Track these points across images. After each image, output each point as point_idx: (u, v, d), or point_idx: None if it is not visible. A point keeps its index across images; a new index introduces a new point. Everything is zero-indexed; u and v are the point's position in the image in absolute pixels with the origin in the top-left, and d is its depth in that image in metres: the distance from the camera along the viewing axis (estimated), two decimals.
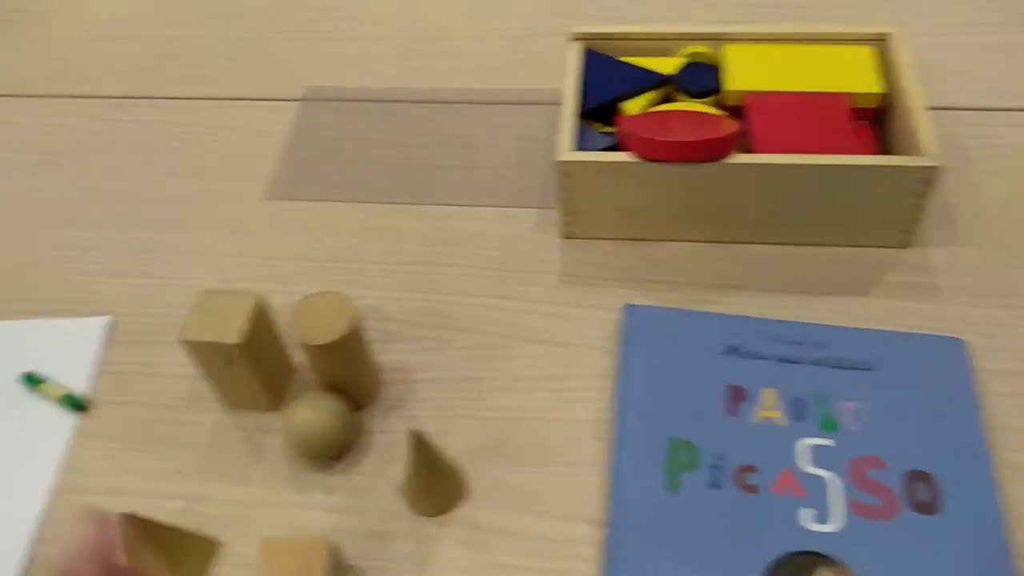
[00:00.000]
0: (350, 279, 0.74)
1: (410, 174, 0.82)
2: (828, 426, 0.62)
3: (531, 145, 0.83)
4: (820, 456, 0.60)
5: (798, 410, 0.63)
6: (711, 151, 0.66)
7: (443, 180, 0.81)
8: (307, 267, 0.75)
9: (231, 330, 0.59)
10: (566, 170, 0.68)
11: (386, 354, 0.69)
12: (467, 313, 0.71)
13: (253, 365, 0.61)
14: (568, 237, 0.75)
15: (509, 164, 0.82)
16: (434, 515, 0.61)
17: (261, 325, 0.61)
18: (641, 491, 0.59)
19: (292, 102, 0.89)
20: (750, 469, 0.60)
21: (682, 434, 0.61)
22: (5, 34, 1.02)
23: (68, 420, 0.67)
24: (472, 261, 0.74)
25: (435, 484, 0.59)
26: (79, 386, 0.69)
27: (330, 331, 0.59)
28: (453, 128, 0.85)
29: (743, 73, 0.75)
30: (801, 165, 0.66)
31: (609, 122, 0.77)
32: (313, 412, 0.61)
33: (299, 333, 0.59)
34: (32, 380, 0.68)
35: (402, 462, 0.63)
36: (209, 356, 0.60)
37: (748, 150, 0.69)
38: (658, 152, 0.66)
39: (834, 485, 0.59)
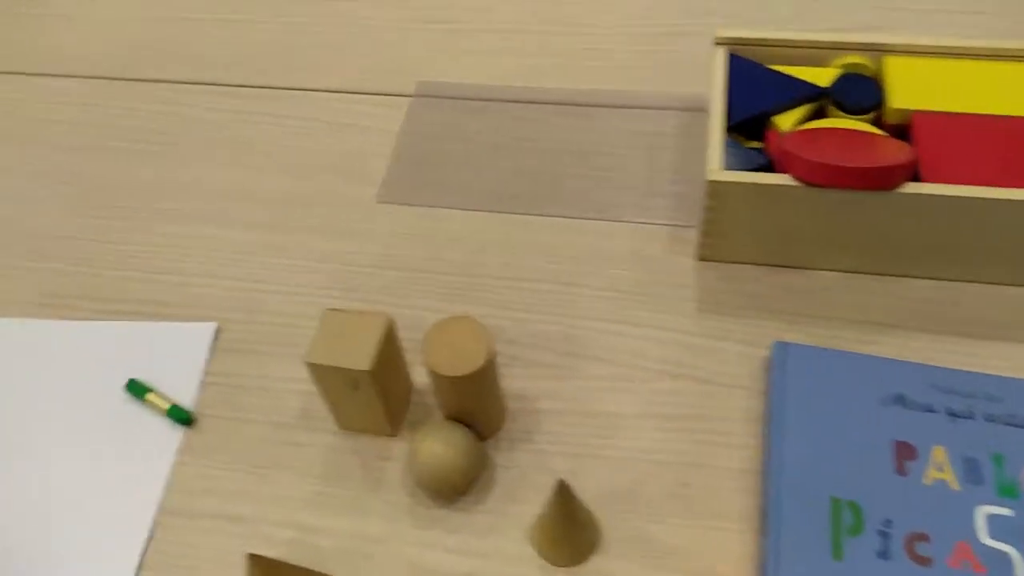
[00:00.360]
0: (470, 295, 0.69)
1: (533, 182, 0.76)
2: (1007, 492, 0.56)
3: (662, 155, 0.77)
4: (999, 527, 0.54)
5: (972, 472, 0.57)
6: (884, 180, 0.59)
7: (568, 190, 0.75)
8: (423, 279, 0.71)
9: (361, 355, 0.54)
10: (715, 190, 0.63)
11: (508, 379, 0.64)
12: (596, 339, 0.66)
13: (378, 390, 0.57)
14: (705, 259, 0.69)
15: (638, 175, 0.76)
16: (566, 566, 0.56)
17: (388, 348, 0.57)
18: (803, 557, 0.53)
19: (403, 98, 0.84)
20: (922, 537, 0.54)
21: (846, 494, 0.56)
22: (112, 11, 0.98)
23: (174, 434, 0.63)
24: (601, 282, 0.69)
25: (572, 534, 0.54)
26: (185, 397, 0.65)
27: (466, 363, 0.54)
28: (578, 133, 0.79)
29: (909, 90, 0.68)
30: (984, 199, 0.59)
31: (754, 136, 0.70)
32: (443, 446, 0.56)
33: (431, 363, 0.54)
34: (137, 389, 0.65)
35: (529, 501, 0.59)
36: (334, 380, 0.56)
37: (915, 177, 0.63)
38: (824, 177, 0.60)
39: (1020, 564, 0.53)
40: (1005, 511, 0.55)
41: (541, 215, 0.74)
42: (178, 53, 0.92)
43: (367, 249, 0.73)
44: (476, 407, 0.58)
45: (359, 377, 0.55)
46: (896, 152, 0.61)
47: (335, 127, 0.83)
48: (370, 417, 0.60)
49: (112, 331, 0.69)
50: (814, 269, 0.68)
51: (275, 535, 0.58)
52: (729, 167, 0.64)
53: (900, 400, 0.60)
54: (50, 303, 0.72)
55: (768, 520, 0.55)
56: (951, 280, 0.66)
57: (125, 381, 0.66)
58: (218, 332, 0.69)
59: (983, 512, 0.55)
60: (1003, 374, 0.60)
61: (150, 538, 0.59)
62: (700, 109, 0.80)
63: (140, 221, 0.77)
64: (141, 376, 0.66)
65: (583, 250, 0.71)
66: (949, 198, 0.60)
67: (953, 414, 0.59)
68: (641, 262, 0.70)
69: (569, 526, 0.54)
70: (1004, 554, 0.53)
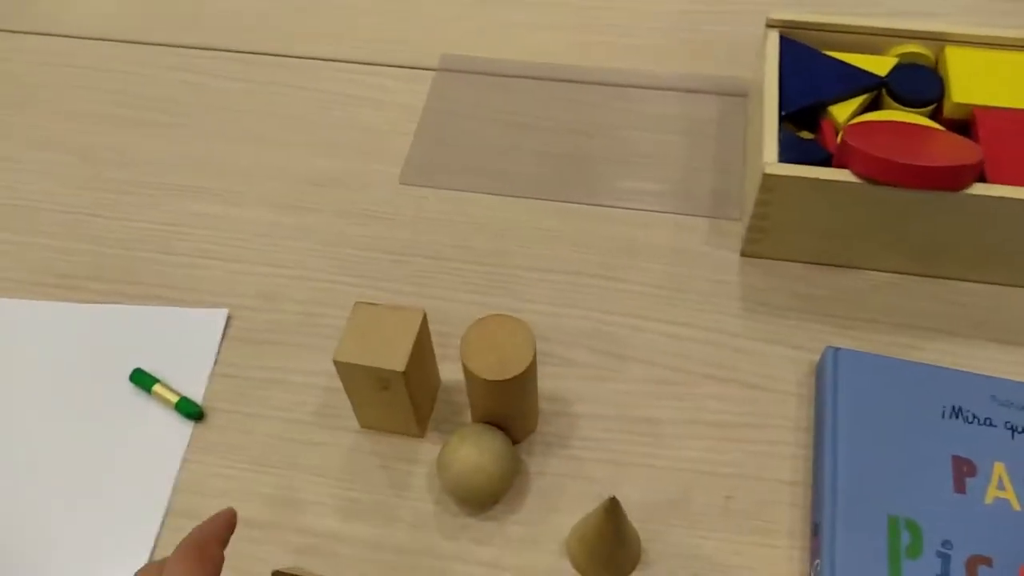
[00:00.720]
0: (499, 286, 0.65)
1: (563, 166, 0.72)
2: None
3: (702, 142, 0.73)
4: None
5: None
6: (953, 180, 0.56)
7: (603, 176, 0.71)
8: (450, 268, 0.66)
9: (394, 354, 0.50)
10: (770, 184, 0.59)
11: (541, 379, 0.60)
12: (636, 338, 0.62)
13: (409, 390, 0.53)
14: (748, 255, 0.66)
15: (677, 163, 0.72)
16: None
17: (421, 346, 0.53)
18: None
19: (427, 71, 0.79)
20: (984, 560, 0.51)
21: (904, 512, 0.52)
22: None
23: (183, 429, 0.59)
24: (640, 276, 0.65)
25: (617, 552, 0.51)
26: (194, 389, 0.61)
27: (508, 366, 0.50)
28: (613, 115, 0.75)
29: (971, 83, 0.64)
30: None
31: (805, 126, 0.67)
32: (478, 451, 0.52)
33: (471, 365, 0.50)
34: (143, 380, 0.60)
35: (565, 511, 0.55)
36: (363, 379, 0.52)
37: (980, 176, 0.59)
38: (890, 175, 0.56)
39: None
40: None
41: (573, 202, 0.70)
42: (193, 16, 0.86)
43: (391, 234, 0.69)
44: (512, 410, 0.54)
45: (391, 377, 0.51)
46: (964, 151, 0.58)
47: (356, 100, 0.78)
48: (397, 417, 0.56)
49: (116, 316, 0.64)
50: (865, 269, 0.64)
51: (291, 541, 0.54)
52: (783, 159, 0.60)
53: (957, 413, 0.56)
54: (49, 283, 0.67)
55: (821, 538, 0.52)
56: (1010, 286, 0.63)
57: (130, 370, 0.61)
58: (231, 319, 0.64)
59: None
60: None
61: (157, 542, 0.55)
62: (740, 94, 0.76)
63: (149, 197, 0.72)
64: (147, 366, 0.61)
65: (619, 241, 0.67)
66: (1018, 201, 0.57)
67: (1013, 429, 0.56)
68: (681, 256, 0.66)
69: (614, 543, 0.50)
70: None
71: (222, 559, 0.41)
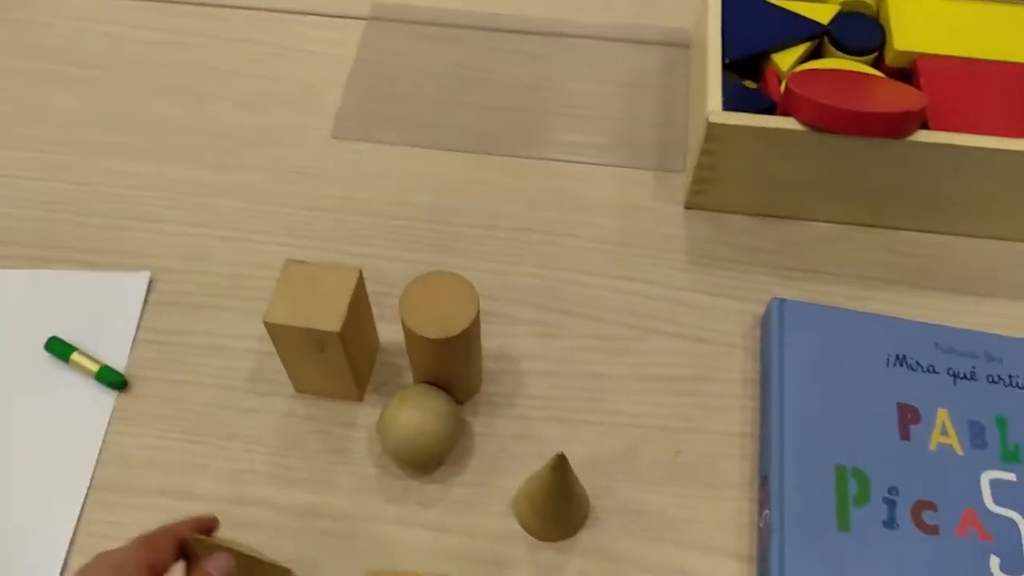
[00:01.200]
0: (441, 244, 0.63)
1: (507, 119, 0.69)
2: (1010, 457, 0.53)
3: (645, 94, 0.71)
4: (1004, 493, 0.52)
5: (976, 436, 0.54)
6: (899, 127, 0.55)
7: (545, 129, 0.69)
8: (389, 227, 0.64)
9: (329, 314, 0.48)
10: (715, 134, 0.57)
11: (486, 338, 0.58)
12: (581, 295, 0.61)
13: (347, 352, 0.50)
14: (693, 207, 0.64)
15: (620, 115, 0.70)
16: (555, 540, 0.52)
17: (358, 305, 0.50)
18: (808, 528, 0.50)
19: (357, 20, 0.76)
20: (929, 506, 0.51)
21: (851, 461, 0.52)
22: None
23: (106, 399, 0.56)
24: (586, 231, 0.63)
25: (565, 509, 0.50)
26: (117, 357, 0.57)
27: (450, 324, 0.48)
28: (555, 67, 0.73)
29: (913, 31, 0.64)
30: (998, 150, 0.56)
31: (750, 75, 0.65)
32: (421, 414, 0.50)
33: (411, 323, 0.48)
34: (59, 348, 0.57)
35: (511, 471, 0.54)
36: (296, 341, 0.49)
37: (923, 124, 0.59)
38: (836, 122, 0.55)
39: None
40: (1009, 476, 0.53)
41: (515, 156, 0.67)
42: None
43: (324, 191, 0.65)
44: (455, 370, 0.53)
45: (327, 338, 0.48)
46: (908, 97, 0.57)
47: (285, 52, 0.74)
48: (334, 380, 0.53)
49: (31, 281, 0.60)
50: (810, 220, 0.64)
51: (226, 513, 0.51)
52: (728, 108, 0.59)
53: (902, 361, 0.56)
54: None
55: (770, 489, 0.52)
56: (953, 234, 0.63)
57: (45, 339, 0.58)
58: (154, 283, 0.61)
59: (988, 478, 0.53)
60: (1004, 332, 0.58)
61: (81, 518, 0.52)
62: (683, 45, 0.74)
63: (65, 156, 0.67)
64: (66, 334, 0.58)
65: (563, 196, 0.65)
66: (961, 148, 0.56)
67: (955, 375, 0.56)
68: (626, 210, 0.65)
69: (562, 501, 0.49)
70: (1010, 520, 0.51)
71: (173, 554, 0.42)
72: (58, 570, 0.50)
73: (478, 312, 0.49)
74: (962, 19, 0.64)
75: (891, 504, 0.51)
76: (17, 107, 0.70)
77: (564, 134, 0.69)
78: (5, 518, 0.52)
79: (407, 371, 0.57)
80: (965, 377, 0.56)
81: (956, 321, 0.59)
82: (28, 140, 0.68)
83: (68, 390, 0.56)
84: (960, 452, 0.53)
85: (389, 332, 0.58)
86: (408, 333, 0.49)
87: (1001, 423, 0.55)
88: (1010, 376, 0.56)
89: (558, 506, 0.49)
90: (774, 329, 0.57)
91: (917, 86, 0.62)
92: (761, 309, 0.60)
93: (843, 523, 0.50)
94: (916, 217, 0.62)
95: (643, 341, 0.59)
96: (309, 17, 0.76)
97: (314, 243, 0.63)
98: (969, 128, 0.58)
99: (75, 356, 0.56)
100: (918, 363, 0.56)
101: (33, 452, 0.54)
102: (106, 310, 0.59)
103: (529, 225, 0.64)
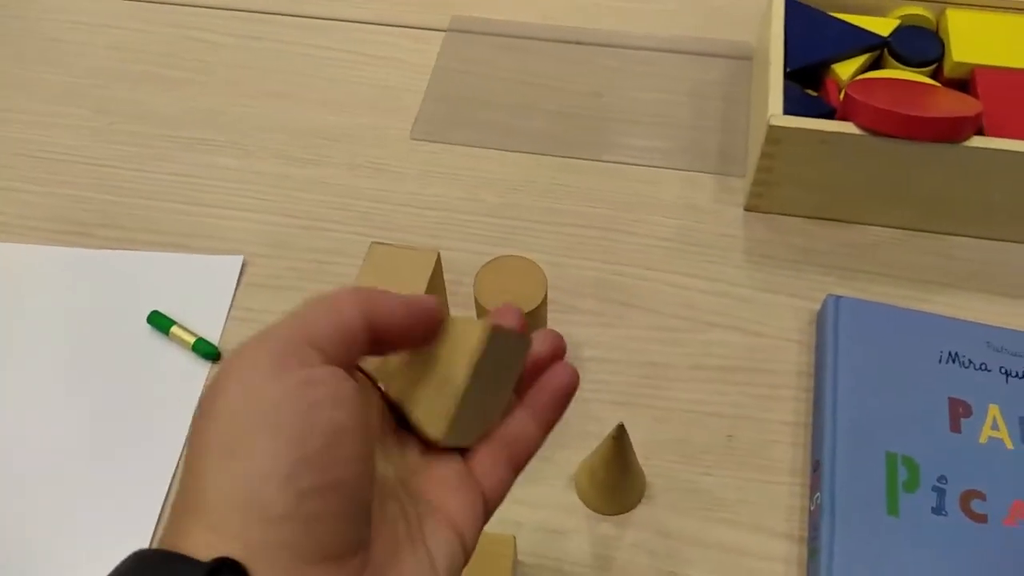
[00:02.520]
0: (510, 238, 0.67)
1: (574, 124, 0.73)
2: None
3: (707, 103, 0.74)
4: None
5: None
6: (953, 131, 0.57)
7: (613, 133, 0.72)
8: (460, 220, 0.68)
9: (410, 291, 0.52)
10: (775, 136, 0.60)
11: (550, 324, 0.62)
12: (642, 288, 0.64)
13: None
14: (752, 210, 0.67)
15: (684, 122, 0.73)
16: (612, 514, 0.55)
17: (436, 286, 0.54)
18: (858, 512, 0.52)
19: (438, 32, 0.81)
20: (978, 495, 0.53)
21: (901, 449, 0.54)
22: None
23: (200, 369, 0.61)
24: (647, 229, 0.67)
25: (623, 482, 0.53)
26: (211, 332, 0.62)
27: (522, 302, 0.52)
28: (621, 76, 0.76)
29: (971, 44, 0.66)
30: None
31: (810, 85, 0.68)
32: None
33: (483, 300, 0.52)
34: (160, 321, 0.62)
35: (573, 447, 0.57)
36: None
37: (979, 132, 0.61)
38: (891, 126, 0.57)
39: None
40: None
41: (582, 158, 0.71)
42: None
43: (401, 187, 0.70)
44: None
45: None
46: (963, 104, 0.59)
47: (368, 60, 0.79)
48: None
49: (134, 261, 0.66)
50: (866, 224, 0.66)
51: None
52: (788, 113, 0.62)
53: (954, 358, 0.58)
54: (68, 230, 0.68)
55: (821, 474, 0.54)
56: (1005, 240, 0.65)
57: (147, 314, 0.63)
58: (245, 266, 0.66)
59: None
60: None
61: (174, 477, 0.57)
62: (746, 58, 0.77)
63: (164, 150, 0.73)
64: (165, 310, 0.63)
65: (627, 196, 0.69)
66: (1015, 153, 0.58)
67: (1007, 373, 0.58)
68: (687, 211, 0.68)
69: (620, 473, 0.52)
70: None
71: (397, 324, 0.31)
72: (153, 523, 0.55)
73: (546, 292, 0.52)
74: (1019, 32, 0.66)
75: (940, 492, 0.53)
76: (122, 105, 0.77)
77: (628, 138, 0.72)
78: (106, 471, 0.57)
79: None
80: (1017, 376, 0.58)
81: (1009, 323, 0.60)
82: (132, 135, 0.75)
83: (167, 359, 0.61)
84: (1011, 446, 0.55)
85: None
86: (480, 311, 0.53)
87: None
88: None
89: (616, 479, 0.52)
90: (829, 324, 0.60)
91: (974, 96, 0.64)
92: (817, 307, 0.62)
93: (892, 508, 0.52)
94: (970, 223, 0.64)
95: (700, 333, 0.61)
96: (393, 28, 0.81)
97: (389, 234, 0.67)
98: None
99: (174, 329, 0.61)
100: (970, 360, 0.58)
101: (136, 414, 0.59)
102: (202, 290, 0.64)
103: (591, 222, 0.67)
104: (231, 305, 0.64)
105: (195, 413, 0.28)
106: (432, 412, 0.32)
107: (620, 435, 0.49)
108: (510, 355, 0.33)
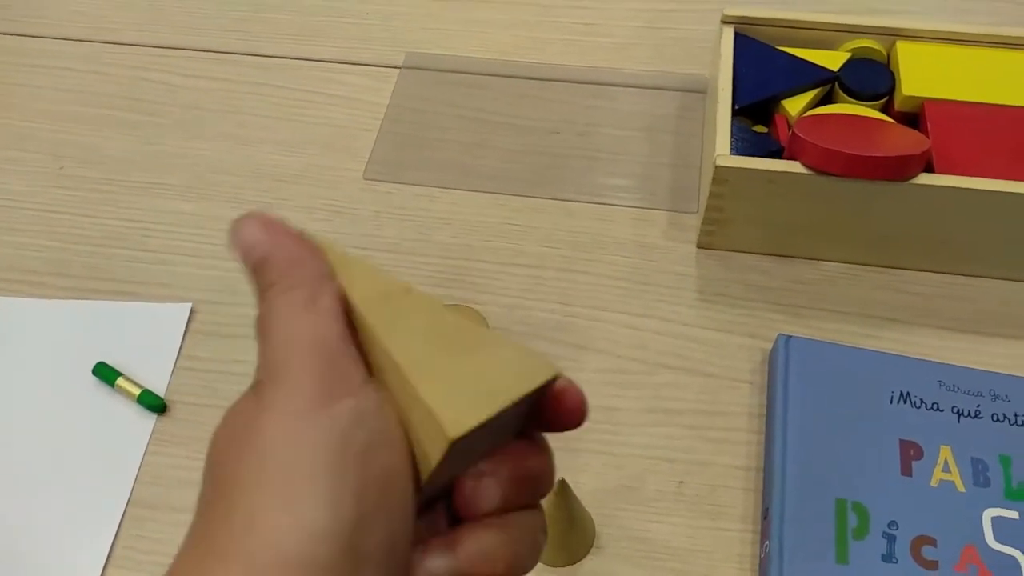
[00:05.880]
0: (461, 280, 0.66)
1: (528, 162, 0.73)
2: (1014, 495, 0.54)
3: (661, 137, 0.74)
4: (1006, 531, 0.53)
5: (979, 474, 0.55)
6: (900, 170, 0.57)
7: (564, 171, 0.72)
8: (412, 262, 0.67)
9: None
10: (723, 176, 0.60)
11: None
12: (594, 329, 0.63)
13: None
14: (704, 247, 0.67)
15: (637, 158, 0.73)
16: (561, 566, 0.54)
17: None
18: (806, 561, 0.51)
19: (391, 69, 0.80)
20: (928, 541, 0.52)
21: (851, 495, 0.54)
22: None
23: (146, 422, 0.60)
24: (599, 268, 0.66)
25: (570, 535, 0.52)
26: (158, 382, 0.61)
27: None
28: (574, 112, 0.76)
29: (921, 77, 0.66)
30: (1002, 193, 0.57)
31: (760, 120, 0.68)
32: None
33: None
34: (106, 373, 0.61)
35: None
36: None
37: (928, 167, 0.61)
38: (838, 166, 0.57)
39: None
40: (1012, 514, 0.53)
41: (536, 197, 0.71)
42: (154, 16, 0.87)
43: (355, 229, 0.69)
44: None
45: None
46: (911, 142, 0.59)
47: (323, 99, 0.78)
48: None
49: (80, 311, 0.65)
50: (818, 260, 0.65)
51: None
52: (736, 152, 0.61)
53: (905, 398, 0.58)
54: (14, 279, 0.68)
55: (771, 521, 0.53)
56: (958, 275, 0.64)
57: (93, 365, 0.62)
58: (195, 314, 0.65)
59: (990, 515, 0.53)
60: (1009, 372, 0.59)
61: (118, 532, 0.56)
62: (701, 91, 0.77)
63: (115, 194, 0.73)
64: (111, 360, 0.62)
65: (580, 235, 0.68)
66: (964, 190, 0.58)
67: (959, 413, 0.57)
68: (640, 249, 0.67)
69: (567, 527, 0.51)
70: (1011, 558, 0.52)
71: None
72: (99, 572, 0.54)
73: None
74: (970, 64, 0.66)
75: (890, 538, 0.53)
76: (73, 149, 0.76)
77: (582, 176, 0.72)
78: (50, 528, 0.56)
79: None
80: (969, 415, 0.57)
81: (961, 360, 0.60)
82: (82, 180, 0.74)
83: (112, 412, 0.60)
84: (962, 489, 0.54)
85: None
86: None
87: (1005, 461, 0.55)
88: (1015, 415, 0.57)
89: (563, 532, 0.51)
90: (780, 364, 0.59)
91: (925, 130, 0.64)
92: (769, 345, 0.62)
93: (842, 556, 0.52)
94: (921, 258, 0.64)
95: (653, 375, 0.61)
96: (347, 66, 0.81)
97: None
98: (975, 171, 0.60)
99: (120, 380, 0.61)
100: (922, 400, 0.58)
101: (79, 468, 0.58)
102: (150, 339, 0.63)
103: (544, 262, 0.67)
104: (179, 354, 0.63)
105: (218, 442, 0.26)
106: (458, 402, 0.26)
107: (563, 491, 0.48)
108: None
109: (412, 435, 0.27)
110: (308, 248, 0.30)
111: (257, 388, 0.27)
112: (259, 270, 0.29)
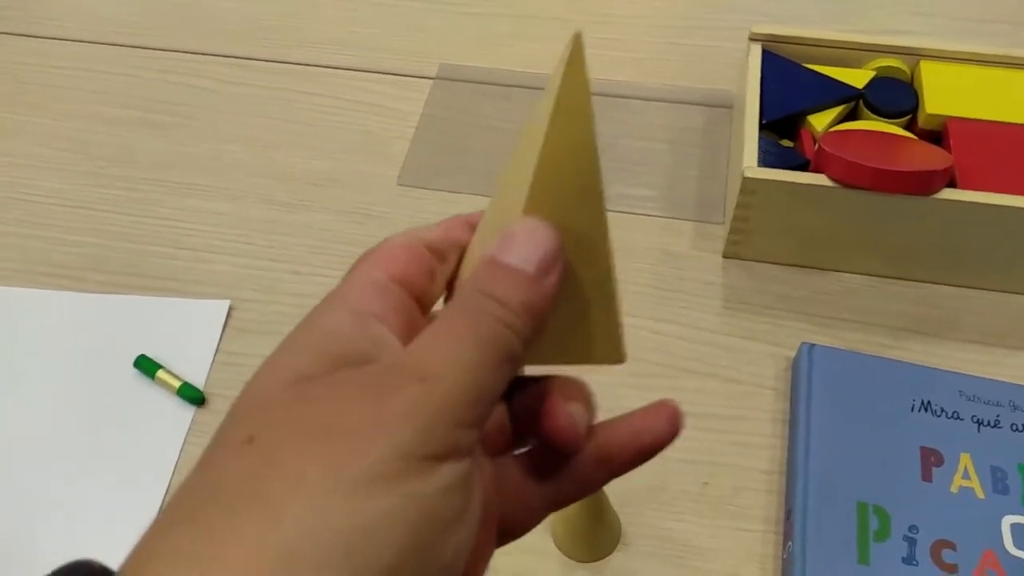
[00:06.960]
0: None
1: None
2: None
3: (687, 150, 0.76)
4: None
5: (999, 482, 0.56)
6: (924, 184, 0.59)
7: None
8: None
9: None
10: (750, 187, 0.62)
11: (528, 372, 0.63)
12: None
13: None
14: (730, 257, 0.68)
15: (663, 170, 0.75)
16: (588, 561, 0.55)
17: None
18: (828, 561, 0.53)
19: (424, 80, 0.82)
20: (948, 545, 0.54)
21: (872, 498, 0.55)
22: None
23: (185, 413, 0.61)
24: (625, 276, 0.67)
25: (597, 531, 0.53)
26: (197, 376, 0.63)
27: None
28: (602, 124, 0.77)
29: (944, 96, 0.67)
30: (1019, 208, 0.59)
31: (785, 135, 0.70)
32: None
33: None
34: (147, 366, 0.63)
35: None
36: None
37: (951, 184, 0.62)
38: (863, 179, 0.59)
39: None
40: None
41: None
42: (189, 22, 0.89)
43: (386, 232, 0.70)
44: None
45: None
46: (935, 157, 0.61)
47: (355, 106, 0.81)
48: None
49: (121, 305, 0.67)
50: (842, 272, 0.67)
51: None
52: (763, 164, 0.63)
53: (926, 407, 0.59)
54: (55, 273, 0.70)
55: (794, 522, 0.55)
56: (980, 288, 0.66)
57: (134, 358, 0.64)
58: (232, 311, 0.67)
59: (1009, 522, 0.55)
60: None
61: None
62: (726, 106, 0.79)
63: (151, 194, 0.75)
64: (151, 354, 0.64)
65: None
66: (986, 206, 0.60)
67: (979, 422, 0.59)
68: (667, 258, 0.69)
69: (594, 523, 0.53)
70: None
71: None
72: None
73: None
74: (991, 84, 0.68)
75: (911, 541, 0.54)
76: (111, 150, 0.78)
77: (609, 186, 0.73)
78: (89, 515, 0.57)
79: None
80: (989, 424, 0.59)
81: (981, 371, 0.61)
82: (119, 179, 0.76)
83: (153, 404, 0.62)
84: (982, 496, 0.56)
85: None
86: None
87: (1023, 470, 0.57)
88: None
89: (591, 527, 0.53)
90: (803, 372, 0.61)
91: (947, 148, 0.66)
92: (792, 353, 0.63)
93: (863, 557, 0.53)
94: (943, 271, 0.65)
95: (677, 380, 0.62)
96: (381, 76, 0.83)
97: None
98: (996, 187, 0.61)
99: (160, 373, 0.62)
100: (942, 409, 0.59)
101: (119, 459, 0.59)
102: (189, 334, 0.65)
103: None
104: (217, 349, 0.65)
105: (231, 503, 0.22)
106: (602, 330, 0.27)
107: None
108: None
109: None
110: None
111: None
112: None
